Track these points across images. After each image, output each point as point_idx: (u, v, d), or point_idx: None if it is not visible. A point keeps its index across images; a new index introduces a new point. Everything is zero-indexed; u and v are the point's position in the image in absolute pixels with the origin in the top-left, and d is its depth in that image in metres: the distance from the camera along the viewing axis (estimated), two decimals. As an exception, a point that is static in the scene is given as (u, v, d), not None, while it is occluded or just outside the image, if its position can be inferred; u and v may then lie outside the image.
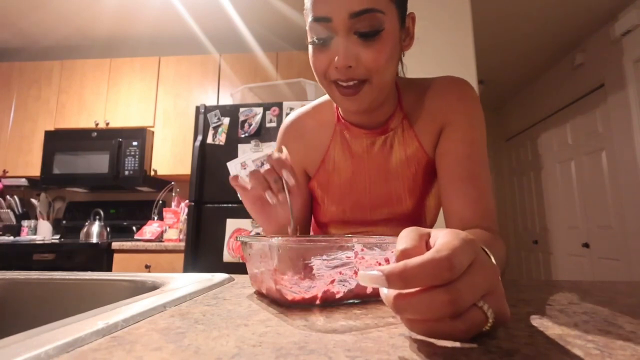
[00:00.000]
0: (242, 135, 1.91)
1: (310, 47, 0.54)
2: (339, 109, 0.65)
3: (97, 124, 2.59)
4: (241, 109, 1.94)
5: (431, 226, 0.72)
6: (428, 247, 0.24)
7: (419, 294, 0.21)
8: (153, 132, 2.55)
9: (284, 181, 0.48)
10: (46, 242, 2.23)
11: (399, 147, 0.63)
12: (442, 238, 0.23)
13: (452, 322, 0.21)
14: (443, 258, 0.21)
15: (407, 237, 0.25)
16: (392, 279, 0.20)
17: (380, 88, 0.54)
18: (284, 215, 0.54)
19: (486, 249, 0.28)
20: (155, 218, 2.46)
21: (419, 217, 0.68)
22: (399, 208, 0.67)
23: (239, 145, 1.89)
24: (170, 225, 2.25)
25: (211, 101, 2.55)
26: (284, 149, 0.51)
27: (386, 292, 0.22)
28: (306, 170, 0.70)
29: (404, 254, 0.23)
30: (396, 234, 0.27)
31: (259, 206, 0.54)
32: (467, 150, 0.59)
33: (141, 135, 2.45)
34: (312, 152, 0.68)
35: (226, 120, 1.94)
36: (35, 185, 2.61)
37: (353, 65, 0.51)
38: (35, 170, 2.53)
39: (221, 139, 1.92)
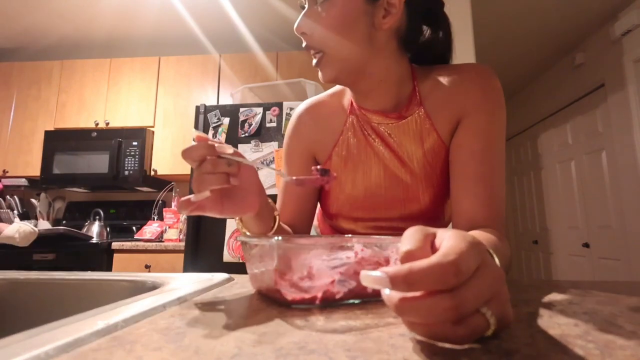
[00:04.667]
0: (242, 135, 1.91)
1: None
2: (352, 95, 0.64)
3: (97, 124, 2.59)
4: (241, 109, 1.94)
5: (448, 222, 0.70)
6: (433, 248, 0.24)
7: (423, 298, 0.20)
8: (153, 132, 2.55)
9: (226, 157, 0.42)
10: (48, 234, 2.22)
11: (416, 139, 0.61)
12: (449, 240, 0.22)
13: (454, 326, 0.21)
14: (450, 263, 0.20)
15: (411, 237, 0.24)
16: (396, 282, 0.20)
17: (341, 60, 0.55)
18: (255, 188, 0.49)
19: (492, 252, 0.28)
20: (155, 218, 2.46)
21: (435, 212, 0.66)
22: (416, 203, 0.64)
23: (239, 146, 1.89)
24: (170, 225, 2.25)
25: (211, 101, 2.55)
26: (194, 131, 0.45)
27: (388, 293, 0.22)
28: (316, 158, 0.69)
29: (409, 255, 0.23)
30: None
31: (229, 205, 0.46)
32: (483, 147, 0.56)
33: (141, 135, 2.45)
34: (325, 137, 0.66)
35: (226, 120, 1.94)
36: (35, 185, 2.61)
37: (308, 33, 0.54)
38: (35, 170, 2.53)
39: (221, 139, 1.92)
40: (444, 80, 0.60)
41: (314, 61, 0.57)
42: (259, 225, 0.53)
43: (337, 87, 0.68)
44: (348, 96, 0.66)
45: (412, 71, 0.61)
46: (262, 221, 0.52)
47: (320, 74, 0.57)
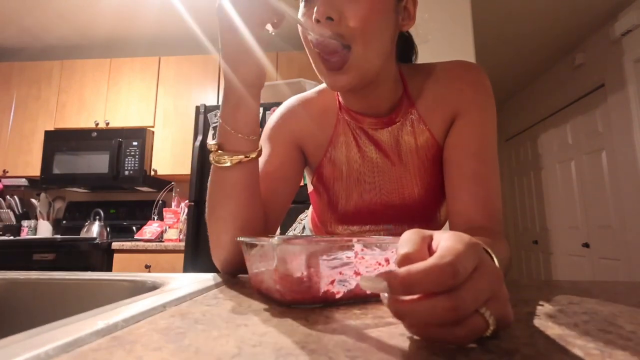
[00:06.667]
0: (242, 135, 1.90)
1: (299, 12, 0.52)
2: (339, 95, 0.61)
3: (97, 124, 2.59)
4: (241, 109, 1.93)
5: (445, 221, 0.69)
6: (430, 251, 0.24)
7: (421, 300, 0.20)
8: (153, 132, 2.55)
9: None
10: (46, 238, 2.22)
11: (409, 141, 0.60)
12: (445, 242, 0.22)
13: (453, 328, 0.21)
14: (447, 264, 0.20)
15: (409, 240, 0.24)
16: (394, 285, 0.20)
17: (368, 58, 0.49)
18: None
19: (490, 252, 0.28)
20: (155, 218, 2.46)
21: (431, 214, 0.66)
22: (411, 205, 0.64)
23: (239, 145, 1.89)
24: (170, 225, 2.25)
25: (211, 101, 2.55)
26: None
27: (387, 297, 0.22)
28: (304, 151, 0.65)
29: (406, 259, 0.23)
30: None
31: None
32: (477, 146, 0.56)
33: (141, 135, 2.45)
34: (316, 134, 0.63)
35: (226, 120, 1.94)
36: (35, 185, 2.61)
37: (335, 18, 0.46)
38: (35, 170, 2.53)
39: (221, 139, 1.92)
40: (433, 79, 0.59)
41: (331, 61, 0.49)
42: (256, 113, 0.48)
43: (325, 85, 0.65)
44: (335, 95, 0.63)
45: (400, 72, 0.60)
46: (258, 108, 0.48)
47: (337, 77, 0.50)
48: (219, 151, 0.48)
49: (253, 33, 0.44)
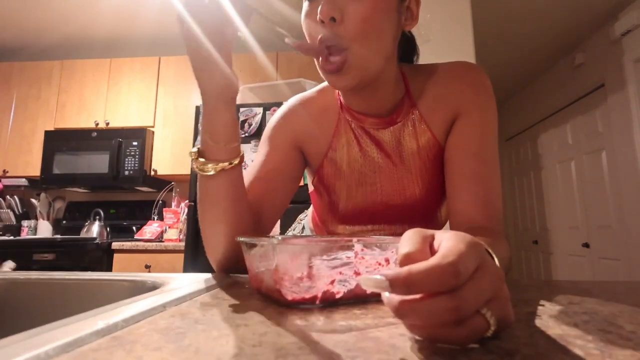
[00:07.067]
0: (242, 135, 1.91)
1: (302, 10, 0.52)
2: (340, 95, 0.61)
3: (97, 124, 2.59)
4: (241, 109, 1.94)
5: (445, 221, 0.69)
6: (432, 250, 0.24)
7: (423, 300, 0.20)
8: (153, 132, 2.55)
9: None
10: (46, 238, 2.22)
11: (411, 141, 0.60)
12: (447, 242, 0.22)
13: (454, 328, 0.21)
14: (449, 264, 0.20)
15: (410, 239, 0.24)
16: (395, 285, 0.20)
17: (369, 58, 0.49)
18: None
19: (491, 252, 0.28)
20: (155, 218, 2.46)
21: (432, 214, 0.66)
22: (413, 205, 0.64)
23: (239, 145, 1.89)
24: (170, 225, 2.25)
25: (211, 101, 2.54)
26: None
27: (388, 296, 0.22)
28: (303, 151, 0.65)
29: (408, 258, 0.23)
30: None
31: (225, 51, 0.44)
32: (477, 146, 0.56)
33: (141, 135, 2.45)
34: (317, 134, 0.63)
35: (226, 120, 1.94)
36: (35, 185, 2.61)
37: (338, 18, 0.47)
38: (35, 170, 2.53)
39: (221, 139, 1.92)
40: (434, 79, 0.59)
41: (330, 64, 0.49)
42: (232, 123, 0.48)
43: (325, 84, 0.64)
44: (335, 94, 0.63)
45: (402, 72, 0.60)
46: (233, 117, 0.49)
47: (336, 79, 0.50)
48: (200, 159, 0.48)
49: (215, 44, 0.43)
